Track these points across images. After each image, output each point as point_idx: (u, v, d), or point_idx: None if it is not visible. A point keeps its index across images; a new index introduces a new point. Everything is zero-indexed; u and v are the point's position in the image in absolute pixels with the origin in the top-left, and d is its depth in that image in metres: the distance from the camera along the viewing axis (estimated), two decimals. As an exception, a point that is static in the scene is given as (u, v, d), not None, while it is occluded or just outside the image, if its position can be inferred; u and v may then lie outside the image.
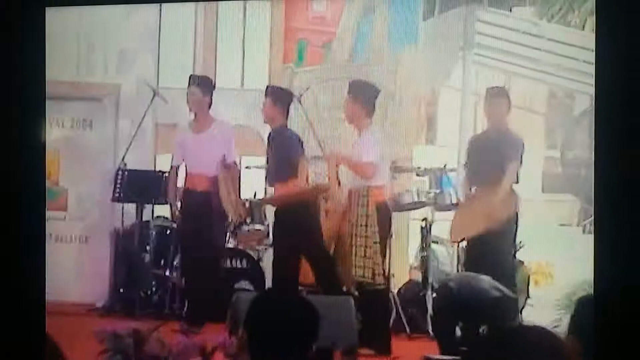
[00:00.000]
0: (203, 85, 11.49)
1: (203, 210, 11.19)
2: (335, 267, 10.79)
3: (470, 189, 11.19)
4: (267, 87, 11.47)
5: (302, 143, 11.13)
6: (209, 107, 11.51)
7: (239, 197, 11.52)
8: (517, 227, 10.66)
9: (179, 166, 11.76)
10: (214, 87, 11.66)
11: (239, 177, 11.72)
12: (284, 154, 10.93)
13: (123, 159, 12.00)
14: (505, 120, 10.87)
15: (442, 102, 13.41)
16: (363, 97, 10.58)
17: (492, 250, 10.47)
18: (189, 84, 11.47)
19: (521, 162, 10.74)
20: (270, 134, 11.20)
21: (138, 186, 12.00)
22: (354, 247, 10.34)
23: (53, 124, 12.50)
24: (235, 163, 11.54)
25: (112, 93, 12.67)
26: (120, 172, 12.06)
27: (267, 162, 11.41)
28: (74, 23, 12.69)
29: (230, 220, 11.54)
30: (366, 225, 10.26)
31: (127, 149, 12.05)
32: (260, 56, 13.10)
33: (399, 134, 12.40)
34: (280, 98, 11.10)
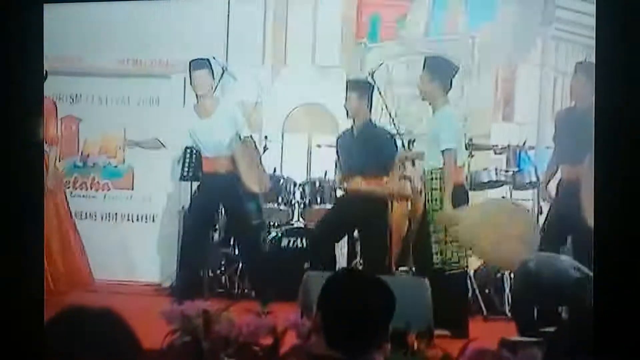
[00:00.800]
0: (208, 67, 11.38)
1: (230, 191, 11.15)
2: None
3: (556, 167, 10.85)
4: (349, 81, 11.23)
5: (395, 141, 11.03)
6: (214, 89, 11.46)
7: (262, 170, 11.49)
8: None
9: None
10: (212, 67, 11.52)
11: (257, 151, 11.57)
12: (376, 152, 10.80)
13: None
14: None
15: (520, 79, 12.97)
16: (440, 73, 10.30)
17: (570, 229, 10.33)
18: (193, 67, 11.37)
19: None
20: (354, 127, 11.01)
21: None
22: (431, 231, 10.12)
23: (119, 102, 12.41)
24: (250, 137, 11.41)
25: (180, 71, 12.42)
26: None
27: (345, 151, 11.22)
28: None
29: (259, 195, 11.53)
30: (442, 208, 10.02)
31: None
32: (332, 32, 12.90)
33: (476, 111, 12.08)
34: (365, 91, 10.90)
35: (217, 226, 11.73)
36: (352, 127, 10.99)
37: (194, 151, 11.70)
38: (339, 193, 11.74)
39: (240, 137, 11.09)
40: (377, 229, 10.82)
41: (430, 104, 10.32)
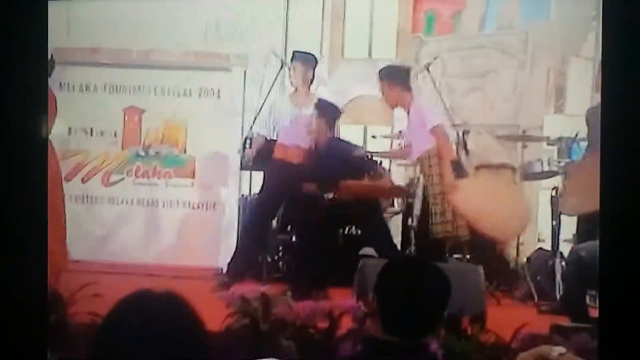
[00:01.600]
0: (307, 61, 11.41)
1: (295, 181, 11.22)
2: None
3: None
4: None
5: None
6: (311, 82, 11.41)
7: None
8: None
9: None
10: (317, 63, 11.60)
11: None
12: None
13: (251, 129, 11.75)
14: None
15: (572, 72, 12.96)
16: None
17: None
18: (292, 58, 11.44)
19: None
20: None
21: (265, 156, 11.73)
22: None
23: (180, 94, 12.45)
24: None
25: (240, 63, 12.48)
26: (248, 142, 11.75)
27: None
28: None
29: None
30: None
31: (255, 118, 11.80)
32: (388, 26, 12.90)
33: (529, 103, 12.06)
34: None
35: (277, 213, 11.68)
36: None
37: (254, 140, 11.74)
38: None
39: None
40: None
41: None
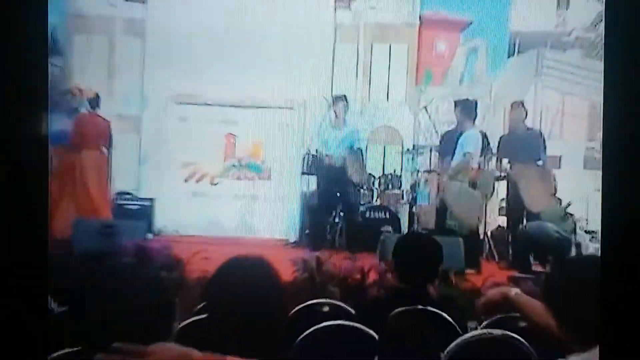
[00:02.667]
0: (343, 100, 11.55)
1: (342, 179, 11.36)
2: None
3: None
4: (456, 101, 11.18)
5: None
6: (345, 113, 11.51)
7: (365, 172, 11.90)
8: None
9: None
10: (348, 102, 11.73)
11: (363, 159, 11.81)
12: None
13: (309, 148, 11.83)
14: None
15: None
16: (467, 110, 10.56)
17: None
18: (334, 101, 11.60)
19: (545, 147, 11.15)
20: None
21: (318, 165, 11.84)
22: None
23: (261, 125, 12.69)
24: (359, 149, 11.65)
25: (302, 104, 12.54)
26: (306, 156, 11.83)
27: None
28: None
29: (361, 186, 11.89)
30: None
31: (312, 140, 11.95)
32: (400, 79, 12.85)
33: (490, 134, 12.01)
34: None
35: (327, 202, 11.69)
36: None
37: (309, 156, 11.81)
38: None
39: (354, 148, 11.43)
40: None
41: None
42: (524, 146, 10.83)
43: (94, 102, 11.26)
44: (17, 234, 1.93)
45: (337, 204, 11.57)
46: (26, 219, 1.88)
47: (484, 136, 10.80)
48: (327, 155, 11.59)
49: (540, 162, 10.91)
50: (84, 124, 11.15)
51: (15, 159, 1.95)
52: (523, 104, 11.22)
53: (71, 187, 10.99)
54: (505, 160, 11.17)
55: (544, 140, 11.07)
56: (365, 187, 12.03)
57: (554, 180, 10.78)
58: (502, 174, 11.09)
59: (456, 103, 10.80)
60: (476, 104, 10.69)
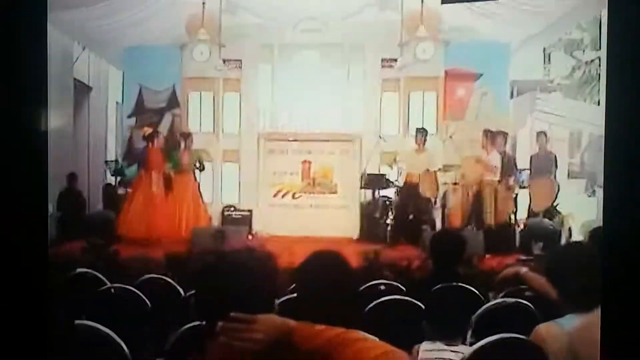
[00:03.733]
0: (423, 132, 11.32)
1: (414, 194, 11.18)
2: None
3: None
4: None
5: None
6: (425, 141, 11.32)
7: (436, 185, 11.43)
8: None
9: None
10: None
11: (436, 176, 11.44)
12: None
13: (365, 170, 11.85)
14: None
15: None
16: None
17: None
18: (416, 132, 11.38)
19: (556, 166, 11.15)
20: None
21: (372, 181, 11.82)
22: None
23: (329, 153, 12.59)
24: (434, 172, 11.31)
25: (358, 137, 12.53)
26: (363, 175, 11.92)
27: None
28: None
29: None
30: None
31: (367, 162, 11.90)
32: (432, 117, 12.75)
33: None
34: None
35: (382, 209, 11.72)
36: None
37: (366, 175, 11.87)
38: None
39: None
40: None
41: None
42: (543, 163, 11.02)
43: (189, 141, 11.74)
44: (16, 234, 1.69)
45: (389, 209, 11.60)
46: (26, 217, 1.66)
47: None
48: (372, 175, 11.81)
49: (551, 176, 10.98)
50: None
51: (14, 158, 1.69)
52: (545, 133, 11.49)
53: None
54: (525, 173, 11.43)
55: (555, 161, 11.14)
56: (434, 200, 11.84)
57: (558, 189, 10.76)
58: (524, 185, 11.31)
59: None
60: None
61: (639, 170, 1.42)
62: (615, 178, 1.49)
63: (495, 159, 10.35)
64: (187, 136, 11.73)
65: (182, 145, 11.57)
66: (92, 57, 14.52)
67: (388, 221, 11.44)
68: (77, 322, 3.19)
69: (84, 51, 13.97)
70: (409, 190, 11.20)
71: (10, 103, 1.63)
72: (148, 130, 11.92)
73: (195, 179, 11.65)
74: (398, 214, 11.36)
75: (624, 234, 1.43)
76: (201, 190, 11.83)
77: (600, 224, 8.84)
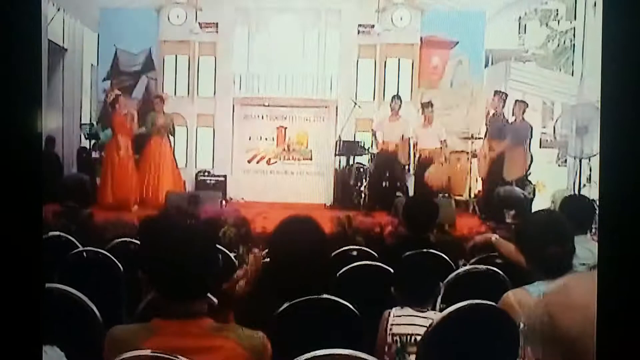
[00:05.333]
0: (398, 98, 11.36)
1: (390, 162, 11.24)
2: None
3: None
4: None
5: None
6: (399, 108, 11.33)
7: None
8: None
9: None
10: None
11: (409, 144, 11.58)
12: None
13: (340, 136, 11.82)
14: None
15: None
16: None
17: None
18: (392, 99, 11.43)
19: (531, 136, 11.05)
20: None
21: (347, 148, 11.81)
22: None
23: (304, 119, 12.49)
24: (409, 139, 11.40)
25: (334, 104, 12.52)
26: (338, 142, 11.84)
27: None
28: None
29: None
30: None
31: (342, 129, 11.91)
32: (407, 84, 12.72)
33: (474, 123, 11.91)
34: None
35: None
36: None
37: (341, 142, 11.88)
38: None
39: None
40: None
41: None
42: (518, 132, 10.82)
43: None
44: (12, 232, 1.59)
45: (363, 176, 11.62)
46: (21, 217, 1.58)
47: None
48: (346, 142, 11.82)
49: (526, 146, 10.89)
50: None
51: (10, 158, 1.64)
52: (525, 102, 11.28)
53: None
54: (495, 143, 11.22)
55: (531, 130, 11.02)
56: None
57: (531, 160, 10.79)
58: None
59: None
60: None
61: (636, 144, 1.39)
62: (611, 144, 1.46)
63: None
64: (160, 99, 11.62)
65: (155, 108, 11.47)
66: (67, 18, 14.27)
67: (362, 188, 11.45)
68: (48, 285, 3.16)
69: (59, 12, 13.72)
70: (384, 158, 11.20)
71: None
72: (112, 95, 11.74)
73: (170, 143, 11.56)
74: (372, 181, 11.37)
75: (620, 212, 1.40)
76: (175, 154, 11.76)
77: (571, 192, 8.98)
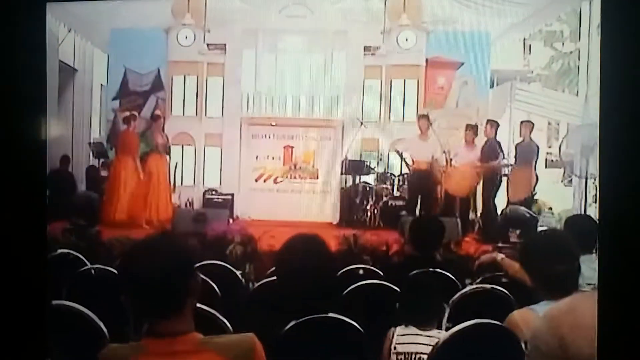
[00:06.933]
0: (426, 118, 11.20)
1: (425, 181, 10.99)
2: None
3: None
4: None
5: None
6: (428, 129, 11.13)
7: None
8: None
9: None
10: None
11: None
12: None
13: (346, 155, 11.81)
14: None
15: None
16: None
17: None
18: (419, 119, 11.27)
19: (538, 157, 10.91)
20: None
21: (353, 167, 11.77)
22: None
23: (310, 139, 12.44)
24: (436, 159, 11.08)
25: (340, 124, 12.53)
26: (344, 161, 11.82)
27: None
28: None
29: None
30: None
31: (348, 149, 11.87)
32: (412, 105, 12.73)
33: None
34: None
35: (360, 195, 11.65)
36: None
37: (347, 161, 11.85)
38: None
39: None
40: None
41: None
42: (526, 153, 10.80)
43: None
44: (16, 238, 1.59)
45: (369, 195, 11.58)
46: (25, 223, 1.58)
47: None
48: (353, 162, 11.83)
49: (532, 166, 10.83)
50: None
51: (14, 163, 1.62)
52: (531, 122, 11.28)
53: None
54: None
55: (538, 151, 10.95)
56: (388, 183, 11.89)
57: (537, 180, 10.73)
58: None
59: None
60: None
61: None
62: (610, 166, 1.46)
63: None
64: (158, 118, 11.66)
65: (154, 127, 11.50)
66: (77, 39, 14.35)
67: (368, 207, 11.40)
68: (56, 302, 3.15)
69: (70, 33, 13.79)
70: (418, 176, 11.09)
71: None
72: (126, 114, 11.80)
73: (167, 162, 11.60)
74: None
75: (620, 223, 1.39)
76: (171, 172, 11.86)
77: (576, 212, 8.98)
